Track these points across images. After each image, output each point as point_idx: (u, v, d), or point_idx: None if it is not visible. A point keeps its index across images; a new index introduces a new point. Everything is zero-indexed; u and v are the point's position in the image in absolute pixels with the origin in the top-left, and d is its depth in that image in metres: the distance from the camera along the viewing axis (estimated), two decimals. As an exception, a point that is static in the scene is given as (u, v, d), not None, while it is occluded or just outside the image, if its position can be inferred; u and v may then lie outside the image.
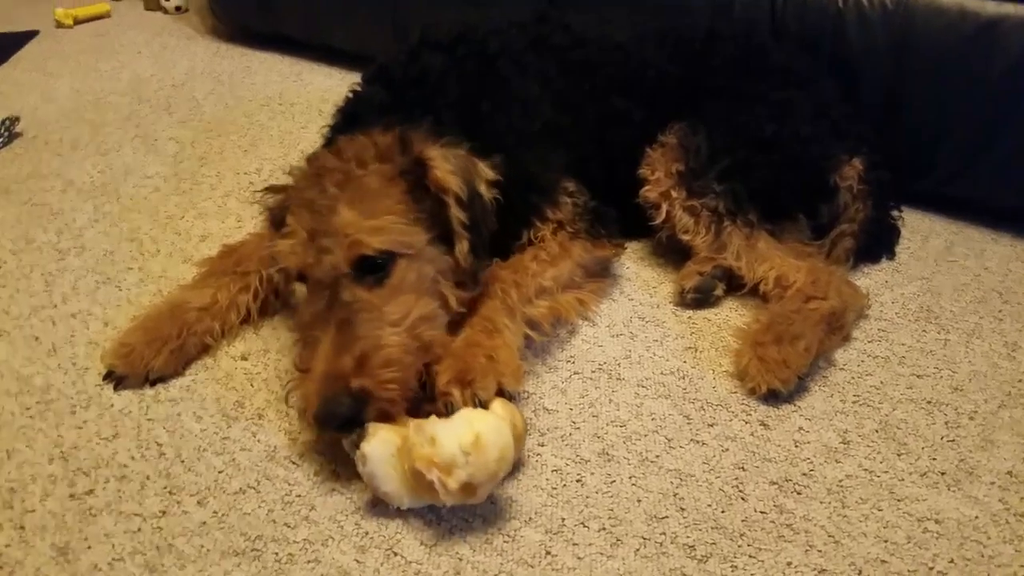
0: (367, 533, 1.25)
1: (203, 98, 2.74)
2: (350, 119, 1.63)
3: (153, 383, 1.51)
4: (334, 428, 1.25)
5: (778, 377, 1.53)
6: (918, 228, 2.13)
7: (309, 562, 1.20)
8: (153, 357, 1.50)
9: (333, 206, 1.32)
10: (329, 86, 2.88)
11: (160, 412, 1.45)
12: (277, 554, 1.21)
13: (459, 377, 1.31)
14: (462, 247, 1.43)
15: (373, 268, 1.33)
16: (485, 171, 1.48)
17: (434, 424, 1.21)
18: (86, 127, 2.51)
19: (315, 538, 1.24)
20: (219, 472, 1.34)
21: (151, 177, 2.23)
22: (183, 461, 1.36)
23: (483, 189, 1.46)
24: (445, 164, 1.41)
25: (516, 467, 1.32)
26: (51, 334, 1.63)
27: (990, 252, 2.07)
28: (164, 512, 1.27)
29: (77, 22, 3.35)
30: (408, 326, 1.33)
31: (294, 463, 1.37)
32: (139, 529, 1.24)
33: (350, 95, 1.73)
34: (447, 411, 1.27)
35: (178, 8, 3.53)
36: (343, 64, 3.02)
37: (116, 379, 1.51)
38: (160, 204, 2.11)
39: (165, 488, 1.31)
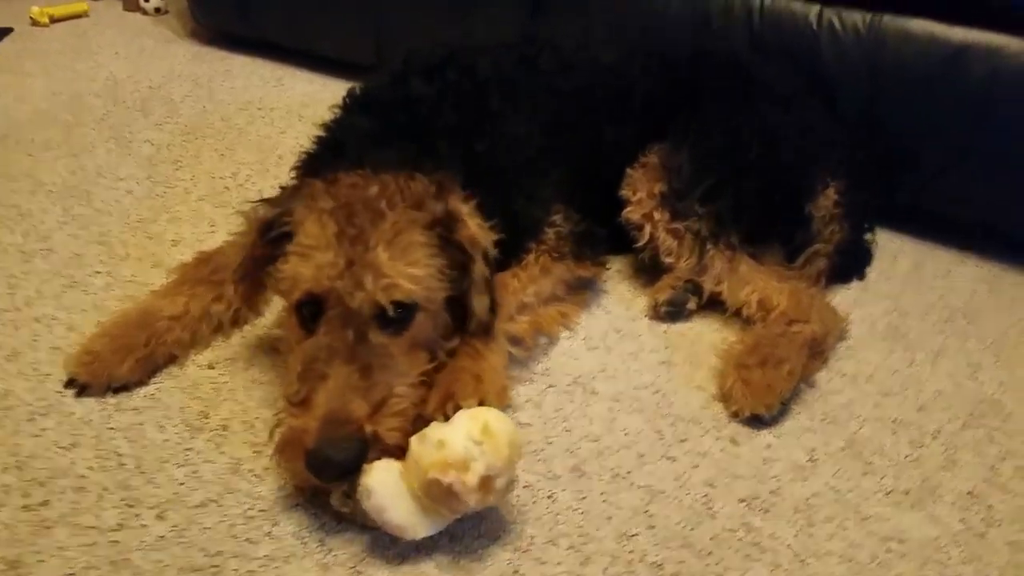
0: (331, 551, 1.19)
1: (180, 101, 2.67)
2: (335, 147, 1.54)
3: (116, 391, 1.44)
4: (331, 474, 1.14)
5: (762, 402, 1.51)
6: (887, 248, 2.11)
7: (270, 579, 1.14)
8: (118, 365, 1.43)
9: (368, 241, 1.24)
10: (310, 92, 2.82)
11: (122, 421, 1.39)
12: (237, 571, 1.15)
13: (445, 400, 1.25)
14: (483, 302, 1.38)
15: (398, 316, 1.26)
16: (491, 233, 1.42)
17: (437, 429, 1.16)
18: (60, 128, 2.42)
19: (277, 555, 1.18)
20: (180, 484, 1.28)
21: (124, 180, 2.16)
22: (143, 472, 1.29)
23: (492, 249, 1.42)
24: (476, 220, 1.37)
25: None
26: (12, 338, 1.56)
27: (956, 273, 2.06)
28: (121, 525, 1.20)
29: (53, 20, 3.26)
30: (414, 380, 1.27)
31: (258, 476, 1.31)
32: (95, 543, 1.17)
33: (332, 122, 1.65)
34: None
35: (158, 10, 3.45)
36: (324, 70, 2.96)
37: (78, 387, 1.44)
38: (132, 207, 2.04)
39: (123, 500, 1.24)
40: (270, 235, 1.35)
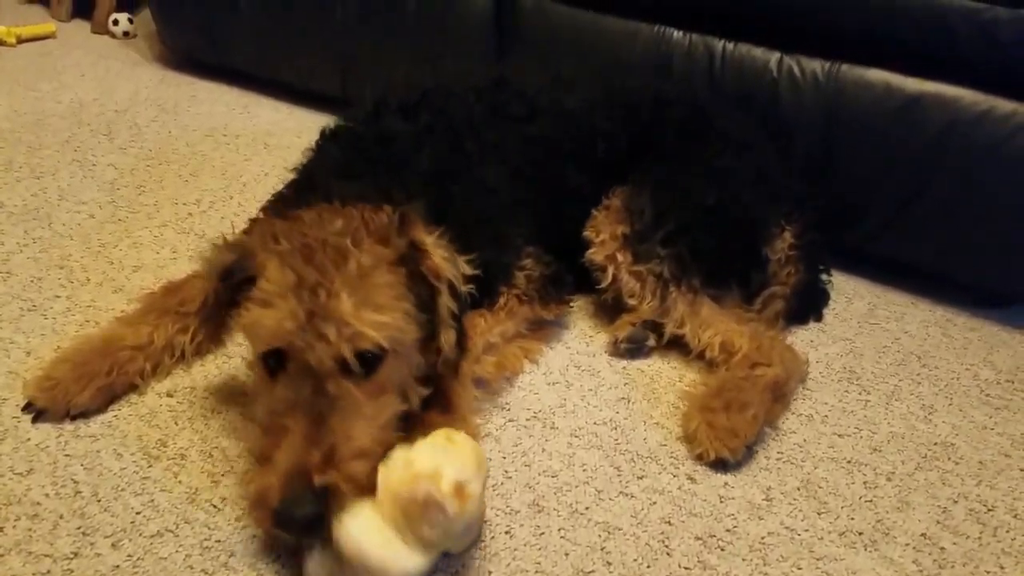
0: (290, 582, 1.21)
1: (145, 125, 2.69)
2: (305, 184, 1.55)
3: (74, 418, 1.45)
4: (298, 530, 1.14)
5: (727, 446, 1.55)
6: (843, 290, 2.19)
7: (226, 611, 1.16)
8: (78, 393, 1.44)
9: (331, 288, 1.20)
10: (276, 120, 2.85)
11: (79, 448, 1.39)
12: (192, 602, 1.16)
13: None
14: (448, 337, 1.36)
15: (364, 362, 1.24)
16: (463, 266, 1.41)
17: (401, 452, 1.16)
18: (22, 148, 2.43)
19: (234, 586, 1.20)
20: (136, 513, 1.29)
21: (86, 203, 2.17)
22: (99, 500, 1.30)
23: (461, 283, 1.40)
24: (441, 252, 1.35)
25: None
26: (-32, 362, 1.56)
27: (910, 316, 2.14)
28: (76, 554, 1.21)
29: (20, 41, 3.25)
30: (382, 424, 1.25)
31: (215, 506, 1.32)
32: (48, 571, 1.17)
33: (303, 162, 1.68)
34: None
35: (126, 33, 3.46)
36: (290, 99, 2.99)
37: (35, 411, 1.44)
38: (94, 231, 2.04)
39: (79, 528, 1.25)
40: (231, 280, 1.31)
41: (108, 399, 1.49)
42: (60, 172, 2.32)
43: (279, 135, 2.71)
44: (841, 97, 2.08)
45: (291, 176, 1.67)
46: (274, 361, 1.24)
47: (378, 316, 1.23)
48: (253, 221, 1.65)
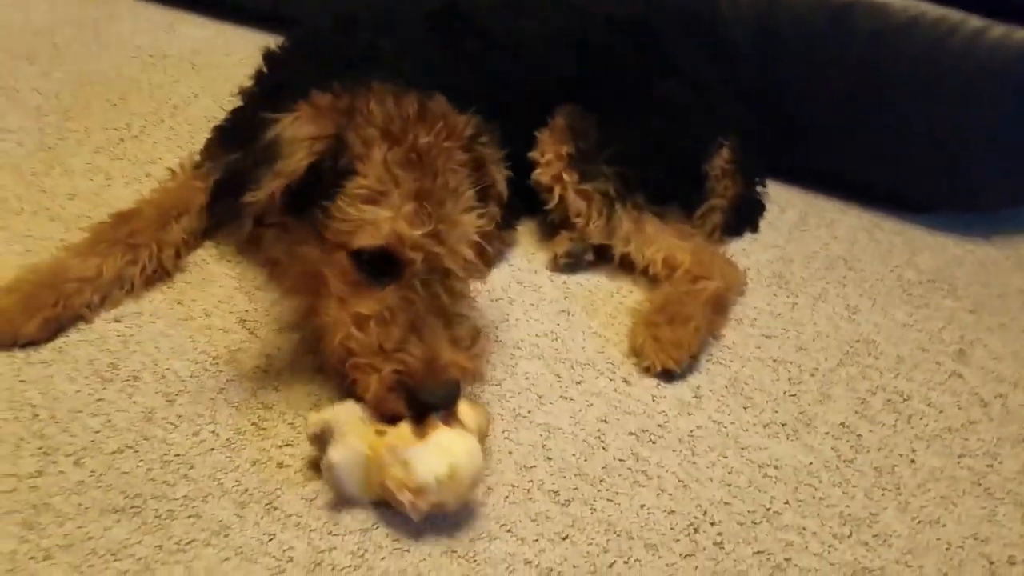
0: (247, 490, 1.33)
1: (66, 46, 2.67)
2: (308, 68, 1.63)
3: (22, 347, 1.51)
4: (442, 405, 1.31)
5: (672, 357, 1.67)
6: (776, 200, 2.33)
7: (189, 517, 1.27)
8: (25, 323, 1.49)
9: (440, 195, 1.35)
10: (203, 38, 2.84)
11: (32, 374, 1.48)
12: (157, 510, 1.28)
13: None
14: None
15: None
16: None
17: (407, 449, 1.25)
18: (-62, 76, 2.41)
19: (195, 495, 1.31)
20: (95, 433, 1.39)
21: (13, 132, 2.18)
22: (57, 422, 1.39)
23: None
24: (492, 144, 1.51)
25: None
26: (-90, 296, 1.61)
27: (839, 222, 2.30)
28: (40, 472, 1.31)
29: (-79, -43, 3.16)
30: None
31: (172, 424, 1.42)
32: (14, 489, 1.27)
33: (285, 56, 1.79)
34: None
35: (35, -54, 3.38)
36: (217, 15, 2.98)
37: None
38: (23, 160, 2.07)
39: (40, 449, 1.34)
40: (319, 169, 1.35)
41: (55, 330, 1.54)
42: (-19, 99, 2.32)
43: (207, 54, 2.71)
44: (777, 7, 2.17)
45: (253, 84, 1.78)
46: (370, 257, 1.34)
47: (476, 218, 1.40)
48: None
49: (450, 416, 1.32)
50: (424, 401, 1.29)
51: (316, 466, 1.35)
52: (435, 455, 1.25)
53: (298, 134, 1.35)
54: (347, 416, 1.31)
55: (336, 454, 1.27)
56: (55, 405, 1.43)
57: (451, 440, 1.28)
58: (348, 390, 1.38)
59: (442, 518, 1.32)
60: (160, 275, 1.70)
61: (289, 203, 1.39)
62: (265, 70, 1.83)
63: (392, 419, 1.31)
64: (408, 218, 1.32)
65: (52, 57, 2.59)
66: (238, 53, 2.70)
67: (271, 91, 1.68)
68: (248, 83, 1.87)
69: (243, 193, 1.34)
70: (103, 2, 3.02)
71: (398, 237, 1.32)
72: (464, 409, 1.34)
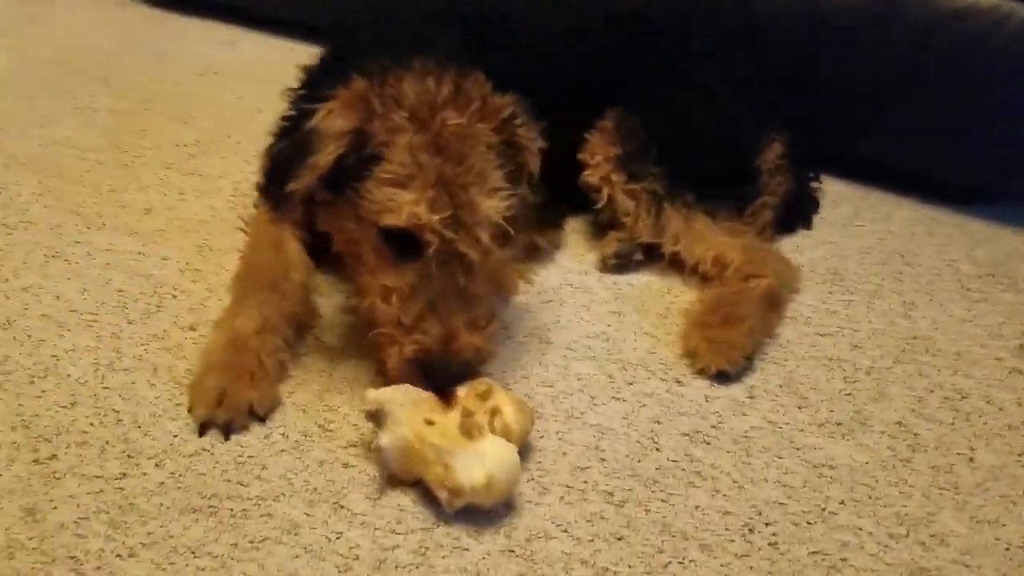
0: (315, 489, 1.38)
1: (137, 67, 2.78)
2: (351, 52, 1.64)
3: (263, 418, 1.49)
4: (454, 380, 1.42)
5: (727, 359, 1.66)
6: (828, 194, 2.29)
7: (262, 516, 1.33)
8: (250, 393, 1.47)
9: (464, 178, 1.41)
10: (263, 54, 2.93)
11: (115, 381, 1.55)
12: (232, 510, 1.33)
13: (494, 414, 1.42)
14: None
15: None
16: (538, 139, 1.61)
17: (451, 453, 1.30)
18: (22, 98, 2.53)
19: (267, 494, 1.36)
20: (174, 436, 1.45)
21: (92, 150, 2.28)
22: (140, 426, 1.46)
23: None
24: (526, 124, 1.55)
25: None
26: (5, 308, 1.70)
27: (895, 216, 2.26)
28: (124, 474, 1.37)
29: (4, -15, 3.31)
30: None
31: (245, 428, 1.48)
32: (101, 490, 1.34)
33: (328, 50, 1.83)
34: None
35: (109, -30, 3.50)
36: (277, 31, 3.06)
37: (220, 425, 1.46)
38: (103, 177, 2.17)
39: (124, 452, 1.41)
40: (346, 157, 1.44)
41: (276, 388, 1.54)
42: (62, 120, 2.42)
43: (268, 70, 2.79)
44: (820, -1, 2.13)
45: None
46: (396, 235, 1.42)
47: (500, 202, 1.45)
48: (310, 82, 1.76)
49: (494, 413, 1.38)
50: (439, 379, 1.41)
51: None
52: (475, 463, 1.30)
53: (328, 129, 1.44)
54: (402, 399, 1.37)
55: (385, 439, 1.34)
56: (137, 410, 1.50)
57: (492, 450, 1.32)
58: (379, 361, 1.50)
59: (500, 518, 1.35)
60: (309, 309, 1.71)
61: (329, 183, 1.48)
62: (312, 68, 1.85)
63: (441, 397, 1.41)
64: (429, 203, 1.39)
65: (124, 78, 2.70)
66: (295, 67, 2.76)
67: (316, 79, 1.74)
68: (298, 79, 1.87)
69: (287, 183, 1.46)
70: (169, 22, 3.14)
71: (417, 221, 1.39)
72: (510, 412, 1.38)
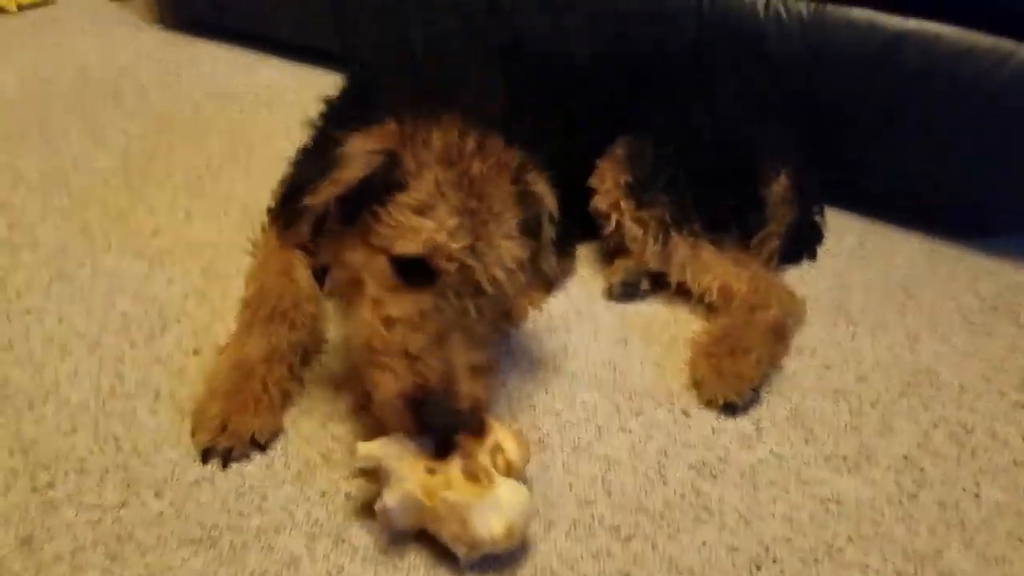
0: (317, 521, 1.33)
1: (150, 89, 2.75)
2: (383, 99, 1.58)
3: (264, 447, 1.45)
4: (445, 427, 1.30)
5: (734, 390, 1.62)
6: (833, 226, 2.26)
7: (263, 549, 1.27)
8: (251, 420, 1.43)
9: (484, 216, 1.37)
10: (276, 78, 2.90)
11: (116, 407, 1.50)
12: (232, 542, 1.28)
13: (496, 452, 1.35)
14: (551, 260, 1.58)
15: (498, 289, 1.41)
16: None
17: (466, 507, 1.22)
18: (34, 118, 2.50)
19: (268, 526, 1.31)
20: (175, 464, 1.40)
21: (100, 171, 2.25)
22: (140, 454, 1.41)
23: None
24: (543, 182, 1.50)
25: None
26: (7, 329, 1.66)
27: (898, 249, 2.22)
28: (123, 503, 1.32)
29: (21, 8, 3.30)
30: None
31: (246, 456, 1.43)
32: (99, 520, 1.29)
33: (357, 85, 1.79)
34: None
35: (123, -7, 3.50)
36: (289, 56, 3.04)
37: (221, 453, 1.41)
38: (111, 198, 2.13)
39: (123, 480, 1.36)
40: (372, 182, 1.38)
41: (279, 414, 1.50)
42: (72, 140, 2.39)
43: (280, 93, 2.77)
44: (825, 36, 2.13)
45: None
46: (408, 263, 1.36)
47: (516, 246, 1.41)
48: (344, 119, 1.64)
49: (495, 451, 1.30)
50: (430, 421, 1.29)
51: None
52: (492, 515, 1.23)
53: (360, 148, 1.40)
54: (398, 451, 1.29)
55: (391, 498, 1.25)
56: (138, 437, 1.45)
57: (507, 496, 1.25)
58: (364, 396, 1.39)
59: (507, 554, 1.29)
60: (316, 337, 1.66)
61: (343, 211, 1.42)
62: (338, 103, 1.82)
63: (439, 451, 1.31)
64: (450, 230, 1.34)
65: (137, 99, 2.67)
66: (310, 92, 2.69)
67: (341, 112, 1.71)
68: (321, 110, 1.85)
69: (303, 198, 1.40)
70: (184, 45, 3.11)
71: (436, 246, 1.34)
72: (511, 447, 1.32)
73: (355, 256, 1.42)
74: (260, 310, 1.58)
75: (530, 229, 1.48)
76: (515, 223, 1.43)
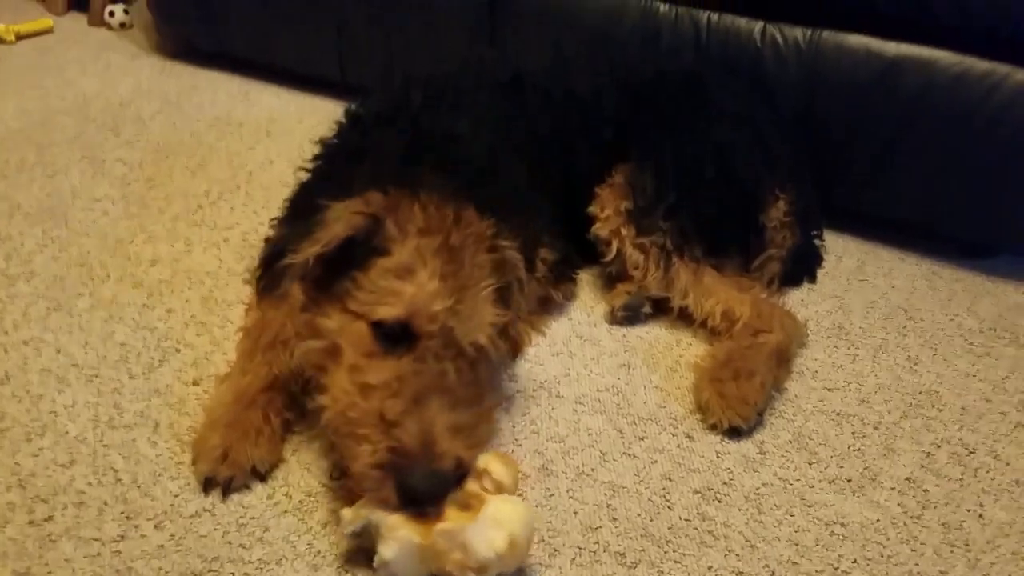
0: (319, 552, 1.30)
1: (150, 118, 2.74)
2: (373, 161, 1.58)
3: (265, 477, 1.44)
4: (428, 499, 1.23)
5: (739, 414, 1.61)
6: (832, 248, 2.26)
7: (264, 581, 1.25)
8: (253, 450, 1.42)
9: (464, 282, 1.34)
10: (276, 106, 2.89)
11: (115, 438, 1.48)
12: (234, 574, 1.26)
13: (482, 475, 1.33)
14: (524, 329, 1.56)
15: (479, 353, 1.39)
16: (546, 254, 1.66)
17: (463, 530, 1.20)
18: (32, 148, 2.48)
19: (270, 558, 1.29)
20: (175, 496, 1.38)
21: (99, 200, 2.23)
22: (139, 486, 1.39)
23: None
24: (516, 253, 1.47)
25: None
26: (3, 361, 1.64)
27: (897, 271, 2.21)
28: (122, 536, 1.30)
29: (19, 38, 3.29)
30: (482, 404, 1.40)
31: (247, 487, 1.41)
32: (98, 554, 1.26)
33: (350, 133, 1.75)
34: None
35: (122, 24, 3.49)
36: (290, 84, 3.03)
37: (222, 482, 1.40)
38: (109, 228, 2.11)
39: (123, 513, 1.34)
40: (353, 245, 1.36)
41: (280, 444, 1.49)
42: (71, 170, 2.38)
43: (281, 121, 2.76)
44: (822, 62, 2.14)
45: (330, 153, 1.73)
46: (388, 329, 1.31)
47: (492, 309, 1.38)
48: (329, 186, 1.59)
49: (482, 476, 1.28)
50: (412, 487, 1.21)
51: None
52: (491, 530, 1.20)
53: (344, 210, 1.36)
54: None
55: (388, 551, 1.20)
56: (137, 469, 1.42)
57: (502, 510, 1.22)
58: (340, 466, 1.34)
59: (514, 580, 1.27)
60: None
61: (321, 276, 1.39)
62: (323, 164, 1.77)
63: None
64: (431, 292, 1.30)
65: (136, 128, 2.66)
66: (309, 120, 2.74)
67: (327, 183, 1.65)
68: (305, 173, 1.79)
69: (284, 258, 1.35)
70: (184, 74, 3.11)
71: (417, 309, 1.30)
72: (498, 468, 1.29)
73: (331, 323, 1.36)
74: (261, 339, 1.56)
75: (504, 297, 1.46)
76: (492, 292, 1.41)
